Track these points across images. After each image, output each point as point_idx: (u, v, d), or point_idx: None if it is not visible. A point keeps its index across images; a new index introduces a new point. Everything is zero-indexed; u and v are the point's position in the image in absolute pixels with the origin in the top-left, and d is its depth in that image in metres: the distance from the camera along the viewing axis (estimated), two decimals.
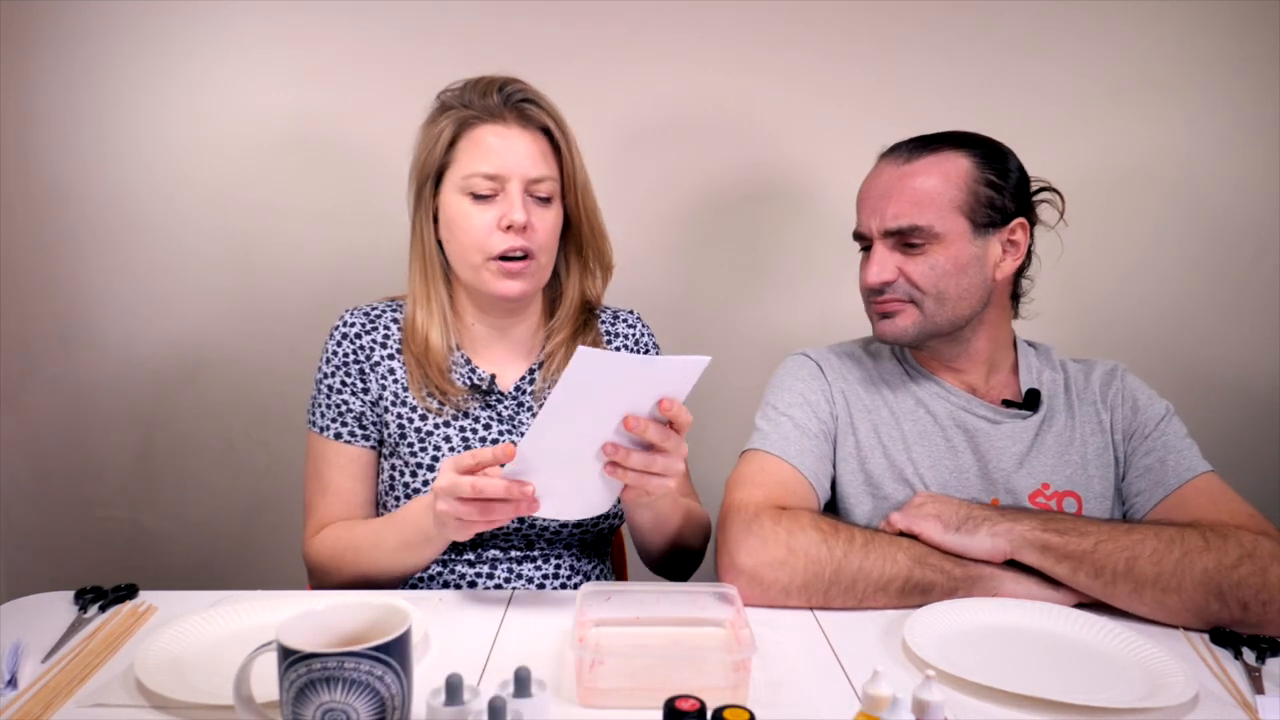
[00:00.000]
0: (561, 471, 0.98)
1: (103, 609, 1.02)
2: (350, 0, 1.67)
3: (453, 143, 1.17)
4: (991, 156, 1.17)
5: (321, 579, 1.20)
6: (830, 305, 1.80)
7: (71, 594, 1.05)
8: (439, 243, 1.23)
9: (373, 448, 1.24)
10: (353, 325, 1.25)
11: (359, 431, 1.22)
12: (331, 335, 1.25)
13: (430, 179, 1.20)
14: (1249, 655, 0.94)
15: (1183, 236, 1.78)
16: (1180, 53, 1.72)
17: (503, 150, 1.15)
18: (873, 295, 1.20)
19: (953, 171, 1.15)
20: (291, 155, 1.72)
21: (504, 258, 1.16)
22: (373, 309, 1.27)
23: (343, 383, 1.22)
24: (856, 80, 1.73)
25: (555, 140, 1.20)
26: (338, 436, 1.22)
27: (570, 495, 1.01)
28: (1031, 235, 1.21)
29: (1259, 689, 0.88)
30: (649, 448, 0.97)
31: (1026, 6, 1.70)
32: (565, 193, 1.22)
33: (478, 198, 1.16)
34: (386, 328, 1.25)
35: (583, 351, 0.86)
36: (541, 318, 1.30)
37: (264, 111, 1.70)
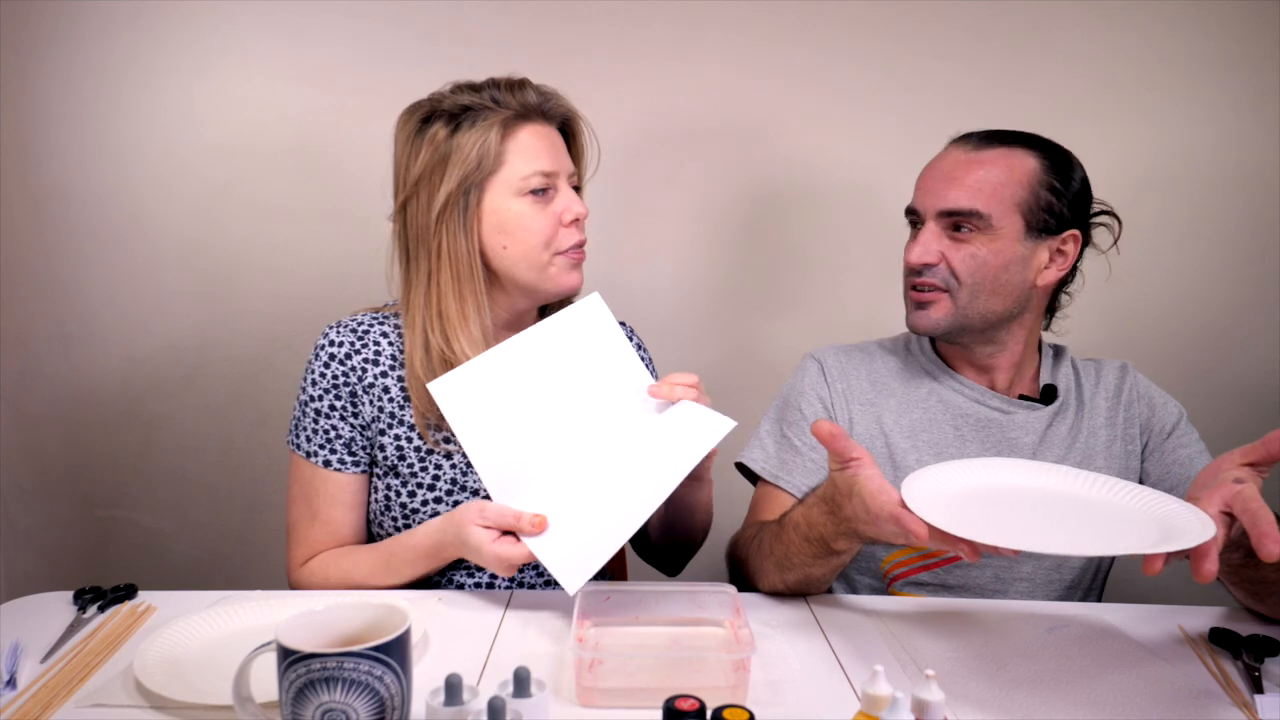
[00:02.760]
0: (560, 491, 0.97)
1: (102, 609, 1.02)
2: (348, 2, 1.67)
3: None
4: (1059, 162, 1.17)
5: None
6: (841, 310, 1.80)
7: (71, 594, 1.04)
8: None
9: (364, 472, 1.18)
10: (341, 345, 1.17)
11: (349, 458, 1.17)
12: (318, 355, 1.17)
13: (475, 187, 1.12)
14: (1248, 655, 0.94)
15: (1184, 237, 1.78)
16: (1180, 53, 1.72)
17: (549, 147, 1.15)
18: (912, 276, 1.20)
19: (1019, 168, 1.15)
20: (292, 156, 1.72)
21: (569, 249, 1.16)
22: (358, 324, 1.20)
23: (331, 407, 1.16)
24: (862, 83, 1.72)
25: (576, 133, 1.21)
26: (326, 464, 1.16)
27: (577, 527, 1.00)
28: (1081, 251, 1.20)
29: (1258, 689, 0.88)
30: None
31: (1040, 7, 1.70)
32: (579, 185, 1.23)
33: (537, 197, 1.14)
34: (376, 343, 1.18)
35: (595, 298, 0.80)
36: (534, 317, 1.26)
37: (264, 113, 1.70)
